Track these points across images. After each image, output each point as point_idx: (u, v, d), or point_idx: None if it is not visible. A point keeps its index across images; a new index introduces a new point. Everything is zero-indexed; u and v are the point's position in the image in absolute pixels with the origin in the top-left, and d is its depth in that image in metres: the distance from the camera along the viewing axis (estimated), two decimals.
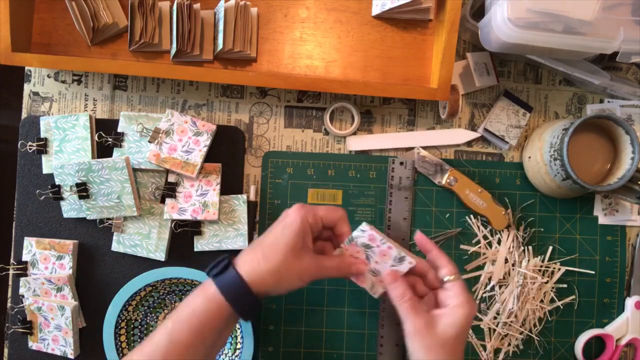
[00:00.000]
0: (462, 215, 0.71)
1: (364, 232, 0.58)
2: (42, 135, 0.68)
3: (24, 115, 0.71)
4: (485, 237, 0.70)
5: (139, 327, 0.68)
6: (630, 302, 0.70)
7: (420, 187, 0.71)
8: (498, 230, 0.70)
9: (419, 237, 0.61)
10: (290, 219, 0.55)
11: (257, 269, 0.52)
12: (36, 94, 0.71)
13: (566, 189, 0.65)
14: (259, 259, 0.53)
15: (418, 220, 0.71)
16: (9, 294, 0.70)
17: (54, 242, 0.68)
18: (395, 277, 0.57)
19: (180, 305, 0.53)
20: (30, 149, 0.68)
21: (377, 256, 0.59)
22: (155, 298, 0.68)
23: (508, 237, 0.70)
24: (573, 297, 0.71)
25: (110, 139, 0.67)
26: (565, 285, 0.71)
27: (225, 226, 0.68)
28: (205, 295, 0.52)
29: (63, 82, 0.71)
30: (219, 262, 0.54)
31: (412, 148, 0.71)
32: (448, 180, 0.70)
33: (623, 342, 0.70)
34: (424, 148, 0.71)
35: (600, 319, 0.71)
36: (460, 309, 0.54)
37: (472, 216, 0.70)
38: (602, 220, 0.71)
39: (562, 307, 0.70)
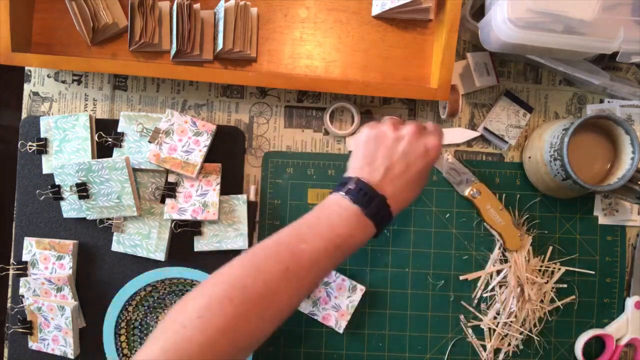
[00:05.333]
0: (462, 215, 0.71)
1: None
2: (42, 135, 0.68)
3: (24, 115, 0.71)
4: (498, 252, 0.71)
5: (139, 327, 0.68)
6: (630, 302, 0.70)
7: None
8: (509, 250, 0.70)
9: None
10: (434, 156, 0.53)
11: (402, 208, 0.53)
12: (36, 94, 0.71)
13: (566, 189, 0.65)
14: (404, 204, 0.53)
15: (418, 220, 0.71)
16: (9, 294, 0.70)
17: (54, 242, 0.68)
18: None
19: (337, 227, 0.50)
20: (30, 149, 0.68)
21: (335, 291, 0.68)
22: (155, 298, 0.68)
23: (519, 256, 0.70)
24: (573, 297, 0.71)
25: (110, 139, 0.67)
26: (565, 285, 0.71)
27: (225, 226, 0.68)
28: (367, 235, 0.51)
29: (63, 82, 0.71)
30: (374, 200, 0.50)
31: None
32: (471, 192, 0.69)
33: (623, 342, 0.70)
34: None
35: (600, 319, 0.71)
36: None
37: (490, 226, 0.70)
38: (602, 220, 0.71)
39: (562, 307, 0.70)
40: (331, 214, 0.50)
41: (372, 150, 0.53)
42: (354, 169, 0.53)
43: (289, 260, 0.47)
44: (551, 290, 0.70)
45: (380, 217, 0.50)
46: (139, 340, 0.68)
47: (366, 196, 0.50)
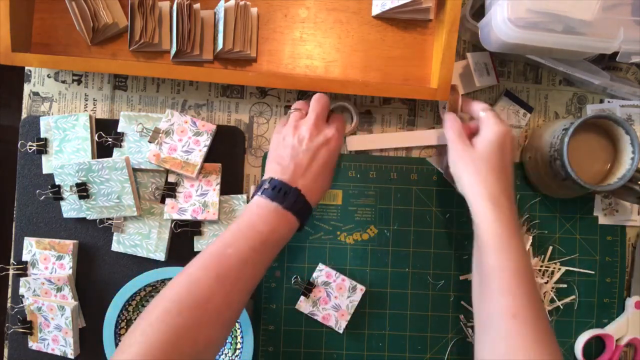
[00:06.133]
0: (462, 215, 0.71)
1: (321, 271, 0.68)
2: (42, 135, 0.68)
3: (24, 115, 0.71)
4: None
5: None
6: (630, 302, 0.70)
7: (420, 187, 0.71)
8: None
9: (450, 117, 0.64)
10: (335, 145, 0.60)
11: (318, 198, 0.60)
12: (36, 94, 0.71)
13: (566, 189, 0.65)
14: (318, 193, 0.59)
15: (418, 220, 0.71)
16: (9, 294, 0.70)
17: (54, 242, 0.68)
18: (452, 114, 0.64)
19: (262, 230, 0.54)
20: (30, 149, 0.68)
21: (335, 291, 0.68)
22: None
23: None
24: (573, 297, 0.71)
25: (110, 139, 0.67)
26: (565, 285, 0.71)
27: (226, 226, 0.68)
28: (290, 227, 0.56)
29: (63, 82, 0.71)
30: (288, 193, 0.56)
31: (412, 148, 0.71)
32: None
33: (623, 342, 0.70)
34: (424, 148, 0.72)
35: (600, 319, 0.71)
36: (490, 130, 0.59)
37: None
38: (602, 220, 0.71)
39: (562, 307, 0.70)
40: (252, 215, 0.55)
41: (280, 154, 0.59)
42: (268, 172, 0.59)
43: (217, 265, 0.51)
44: (551, 290, 0.70)
45: (298, 208, 0.56)
46: None
47: (281, 192, 0.56)
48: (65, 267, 0.68)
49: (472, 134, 0.62)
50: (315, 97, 0.62)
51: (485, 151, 0.58)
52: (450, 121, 0.63)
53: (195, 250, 0.68)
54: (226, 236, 0.54)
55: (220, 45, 0.66)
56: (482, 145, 0.59)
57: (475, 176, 0.58)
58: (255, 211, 0.55)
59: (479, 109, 0.62)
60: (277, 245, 0.55)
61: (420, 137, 0.71)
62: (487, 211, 0.55)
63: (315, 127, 0.60)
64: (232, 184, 0.70)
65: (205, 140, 0.67)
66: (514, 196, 0.58)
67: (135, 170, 0.68)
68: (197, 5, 0.66)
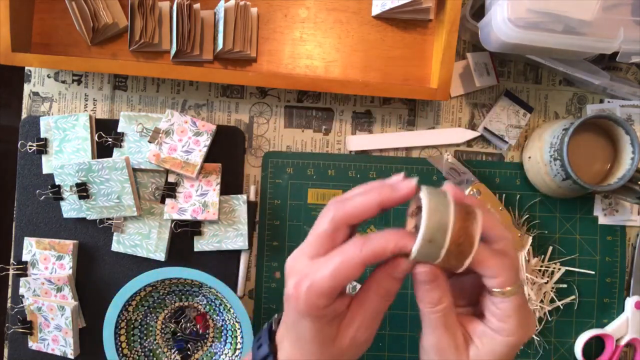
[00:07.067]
0: None
1: None
2: (42, 135, 0.68)
3: (24, 115, 0.71)
4: None
5: (139, 327, 0.68)
6: (630, 302, 0.70)
7: None
8: None
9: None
10: (293, 304, 0.37)
11: None
12: (36, 94, 0.71)
13: (566, 189, 0.65)
14: None
15: None
16: (9, 294, 0.70)
17: (54, 242, 0.68)
18: (435, 275, 0.38)
19: None
20: (30, 149, 0.68)
21: None
22: (155, 298, 0.68)
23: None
24: (573, 297, 0.71)
25: (110, 139, 0.67)
26: (565, 285, 0.71)
27: (225, 226, 0.68)
28: None
29: (63, 82, 0.71)
30: (262, 347, 0.42)
31: (412, 148, 0.71)
32: (471, 192, 0.69)
33: (623, 342, 0.70)
34: (424, 148, 0.72)
35: (600, 319, 0.71)
36: (502, 338, 0.38)
37: None
38: (602, 220, 0.71)
39: (562, 307, 0.70)
40: None
41: None
42: None
43: None
44: (551, 290, 0.70)
45: None
46: (138, 340, 0.68)
47: (261, 346, 0.42)
48: (65, 267, 0.68)
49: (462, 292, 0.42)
50: (328, 204, 0.39)
51: None
52: (436, 296, 0.38)
53: (195, 250, 0.68)
54: None
55: (220, 45, 0.66)
56: None
57: None
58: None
59: (496, 281, 0.37)
60: None
61: (420, 137, 0.71)
62: None
63: (293, 261, 0.39)
64: (232, 184, 0.70)
65: (205, 140, 0.67)
66: None
67: (135, 170, 0.68)
68: (197, 5, 0.66)
